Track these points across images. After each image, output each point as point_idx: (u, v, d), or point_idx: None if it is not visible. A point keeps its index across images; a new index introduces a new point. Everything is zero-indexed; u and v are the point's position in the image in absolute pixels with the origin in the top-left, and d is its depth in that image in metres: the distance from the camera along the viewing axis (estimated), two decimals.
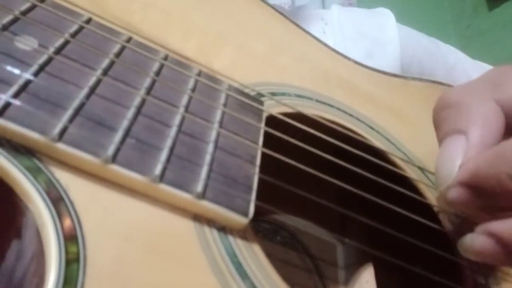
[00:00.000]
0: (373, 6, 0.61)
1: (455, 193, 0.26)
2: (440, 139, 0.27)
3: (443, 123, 0.27)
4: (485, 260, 0.26)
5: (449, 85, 0.47)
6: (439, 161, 0.27)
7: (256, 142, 0.27)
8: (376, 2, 0.71)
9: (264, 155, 0.27)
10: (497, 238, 0.24)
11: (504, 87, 0.26)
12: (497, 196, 0.24)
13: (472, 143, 0.25)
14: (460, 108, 0.26)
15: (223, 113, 0.27)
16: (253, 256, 0.23)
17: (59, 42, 0.25)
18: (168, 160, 0.23)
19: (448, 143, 0.26)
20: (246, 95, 0.30)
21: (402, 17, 0.58)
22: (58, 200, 0.20)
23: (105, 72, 0.25)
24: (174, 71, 0.28)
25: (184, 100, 0.26)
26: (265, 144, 0.27)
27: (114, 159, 0.21)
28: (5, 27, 0.23)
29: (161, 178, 0.22)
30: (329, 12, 0.56)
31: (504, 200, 0.24)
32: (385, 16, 0.57)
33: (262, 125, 0.29)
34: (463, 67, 0.59)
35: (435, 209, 0.34)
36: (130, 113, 0.23)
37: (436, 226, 0.33)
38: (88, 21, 0.27)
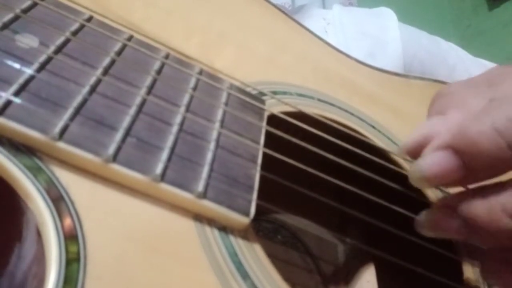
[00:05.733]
0: (373, 6, 0.60)
1: (433, 159, 0.21)
2: None
3: (433, 110, 0.27)
4: (441, 181, 0.22)
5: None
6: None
7: (257, 142, 0.27)
8: (376, 2, 0.71)
9: (265, 154, 0.27)
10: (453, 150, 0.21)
11: (499, 88, 0.25)
12: (483, 161, 0.20)
13: (448, 121, 0.23)
14: (452, 97, 0.26)
15: (225, 112, 0.27)
16: (254, 256, 0.23)
17: (60, 40, 0.24)
18: (169, 159, 0.23)
19: (426, 120, 0.25)
20: (248, 94, 0.30)
21: (402, 17, 0.58)
22: (58, 199, 0.20)
23: (106, 71, 0.25)
24: (175, 70, 0.28)
25: (186, 99, 0.26)
26: (266, 143, 0.27)
27: (115, 158, 0.21)
28: (6, 25, 0.23)
29: (162, 177, 0.22)
30: (331, 12, 0.56)
31: (494, 166, 0.20)
32: (387, 16, 0.57)
33: (264, 124, 0.28)
34: (464, 66, 0.59)
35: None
36: (131, 112, 0.23)
37: None
38: (89, 19, 0.27)
